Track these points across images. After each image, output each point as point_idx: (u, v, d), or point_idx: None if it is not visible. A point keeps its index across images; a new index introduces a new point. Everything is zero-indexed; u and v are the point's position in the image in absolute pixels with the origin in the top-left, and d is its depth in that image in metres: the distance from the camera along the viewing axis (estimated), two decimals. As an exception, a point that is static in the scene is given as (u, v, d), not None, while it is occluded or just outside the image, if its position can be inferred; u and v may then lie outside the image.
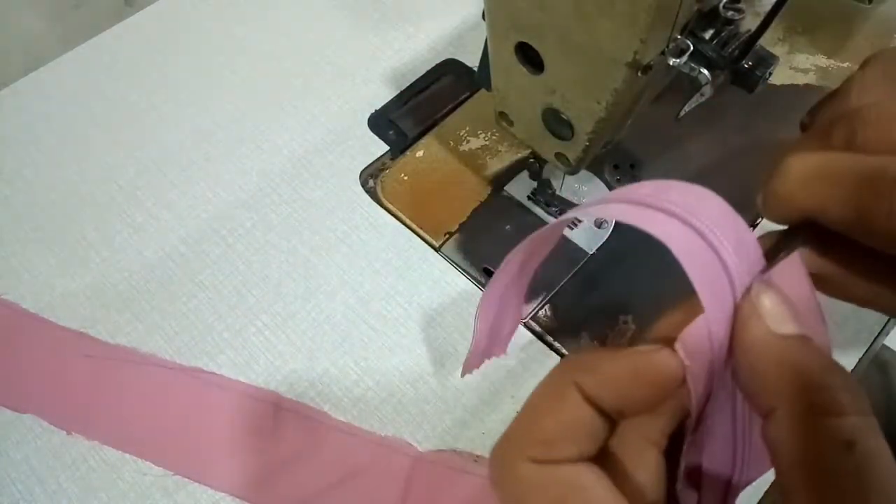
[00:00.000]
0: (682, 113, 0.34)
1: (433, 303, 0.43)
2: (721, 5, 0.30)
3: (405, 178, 0.48)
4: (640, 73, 0.27)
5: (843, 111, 0.20)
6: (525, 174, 0.47)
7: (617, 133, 0.36)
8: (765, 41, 0.30)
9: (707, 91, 0.31)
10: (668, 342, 0.18)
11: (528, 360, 0.41)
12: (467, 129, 0.50)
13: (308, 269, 0.45)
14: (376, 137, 0.50)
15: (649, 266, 0.43)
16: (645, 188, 0.19)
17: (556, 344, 0.42)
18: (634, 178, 0.48)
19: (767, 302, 0.17)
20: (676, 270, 0.17)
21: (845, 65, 0.53)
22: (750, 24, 0.30)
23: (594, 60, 0.29)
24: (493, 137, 0.50)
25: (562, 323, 0.42)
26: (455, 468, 0.38)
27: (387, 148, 0.50)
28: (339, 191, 0.48)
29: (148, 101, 0.53)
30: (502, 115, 0.39)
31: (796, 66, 0.53)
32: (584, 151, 0.35)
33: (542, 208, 0.46)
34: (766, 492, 0.35)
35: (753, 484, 0.19)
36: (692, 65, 0.30)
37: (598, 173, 0.48)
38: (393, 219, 0.47)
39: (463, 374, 0.25)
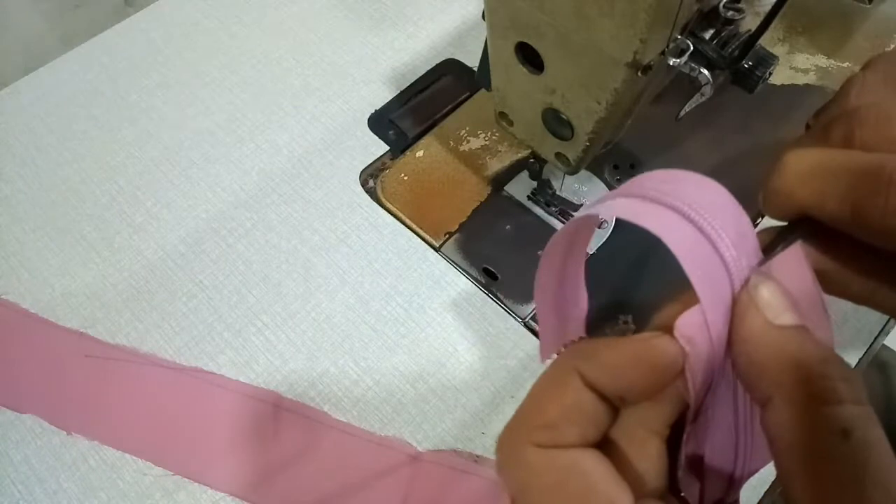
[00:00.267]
0: (682, 113, 0.34)
1: (433, 303, 0.43)
2: (721, 5, 0.30)
3: (405, 178, 0.48)
4: (640, 73, 0.27)
5: (842, 111, 0.20)
6: (525, 174, 0.47)
7: (617, 133, 0.36)
8: (765, 41, 0.30)
9: (707, 91, 0.31)
10: (669, 332, 0.18)
11: (528, 360, 0.41)
12: (467, 129, 0.50)
13: (308, 269, 0.45)
14: (376, 137, 0.50)
15: (649, 266, 0.43)
16: (649, 180, 0.19)
17: (556, 344, 0.42)
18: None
19: (765, 293, 0.18)
20: (677, 270, 0.17)
21: (845, 65, 0.53)
22: (750, 24, 0.30)
23: (594, 60, 0.29)
24: (493, 137, 0.50)
25: (562, 323, 0.42)
26: (455, 468, 0.38)
27: (387, 148, 0.50)
28: (339, 191, 0.48)
29: (148, 101, 0.53)
30: (502, 115, 0.39)
31: (796, 66, 0.53)
32: (584, 151, 0.35)
33: (542, 208, 0.46)
34: (766, 492, 0.35)
35: (753, 484, 0.19)
36: (692, 65, 0.30)
37: (598, 173, 0.48)
38: (393, 219, 0.47)
39: (542, 360, 0.24)
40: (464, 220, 0.46)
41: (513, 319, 0.43)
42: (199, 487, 0.38)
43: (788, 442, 0.16)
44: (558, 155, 0.37)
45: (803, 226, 0.20)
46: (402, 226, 0.46)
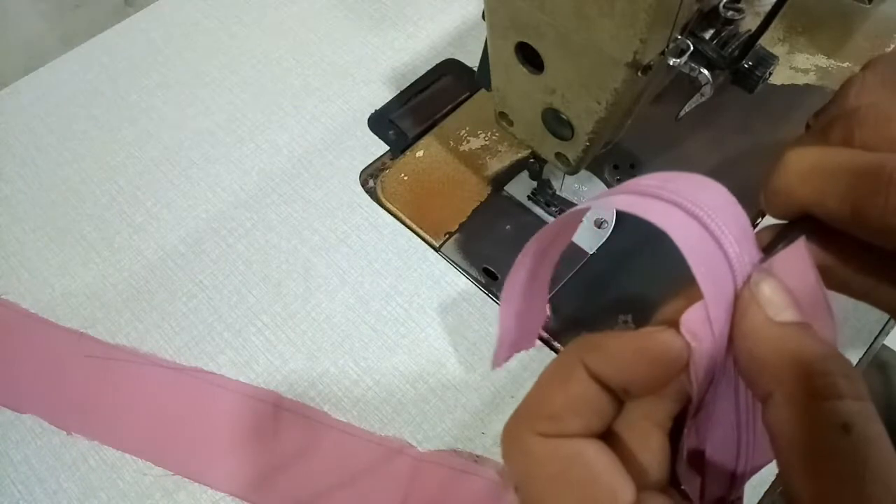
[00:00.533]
0: (682, 113, 0.34)
1: (433, 303, 0.43)
2: (721, 5, 0.30)
3: (405, 178, 0.48)
4: (640, 73, 0.27)
5: (842, 111, 0.20)
6: (525, 174, 0.47)
7: (617, 133, 0.36)
8: (765, 41, 0.30)
9: (707, 91, 0.31)
10: (673, 326, 0.18)
11: (528, 360, 0.41)
12: (467, 129, 0.50)
13: (308, 269, 0.45)
14: (376, 137, 0.50)
15: (649, 266, 0.43)
16: (650, 179, 0.19)
17: (556, 344, 0.42)
18: (634, 178, 0.48)
19: (767, 290, 0.18)
20: (678, 267, 0.17)
21: (845, 65, 0.53)
22: (750, 24, 0.30)
23: (594, 60, 0.29)
24: (493, 137, 0.50)
25: (562, 323, 0.42)
26: (455, 468, 0.38)
27: (387, 148, 0.50)
28: (339, 191, 0.48)
29: (148, 101, 0.53)
30: (502, 115, 0.39)
31: (796, 66, 0.53)
32: (584, 151, 0.35)
33: (542, 208, 0.46)
34: (766, 491, 0.35)
35: (753, 484, 0.19)
36: (692, 65, 0.30)
37: (598, 173, 0.48)
38: (393, 219, 0.47)
39: (493, 368, 0.25)
40: (464, 220, 0.46)
41: (513, 319, 0.42)
42: (199, 487, 0.38)
43: (789, 437, 0.16)
44: (558, 155, 0.37)
45: (804, 224, 0.20)
46: (402, 226, 0.46)
